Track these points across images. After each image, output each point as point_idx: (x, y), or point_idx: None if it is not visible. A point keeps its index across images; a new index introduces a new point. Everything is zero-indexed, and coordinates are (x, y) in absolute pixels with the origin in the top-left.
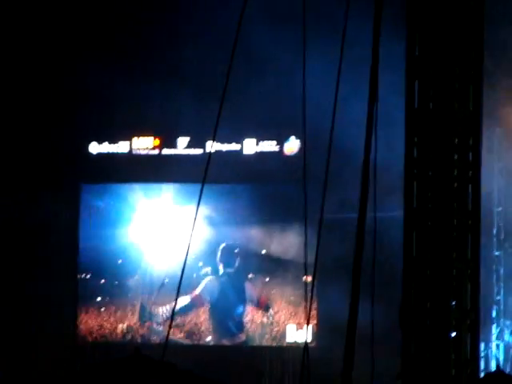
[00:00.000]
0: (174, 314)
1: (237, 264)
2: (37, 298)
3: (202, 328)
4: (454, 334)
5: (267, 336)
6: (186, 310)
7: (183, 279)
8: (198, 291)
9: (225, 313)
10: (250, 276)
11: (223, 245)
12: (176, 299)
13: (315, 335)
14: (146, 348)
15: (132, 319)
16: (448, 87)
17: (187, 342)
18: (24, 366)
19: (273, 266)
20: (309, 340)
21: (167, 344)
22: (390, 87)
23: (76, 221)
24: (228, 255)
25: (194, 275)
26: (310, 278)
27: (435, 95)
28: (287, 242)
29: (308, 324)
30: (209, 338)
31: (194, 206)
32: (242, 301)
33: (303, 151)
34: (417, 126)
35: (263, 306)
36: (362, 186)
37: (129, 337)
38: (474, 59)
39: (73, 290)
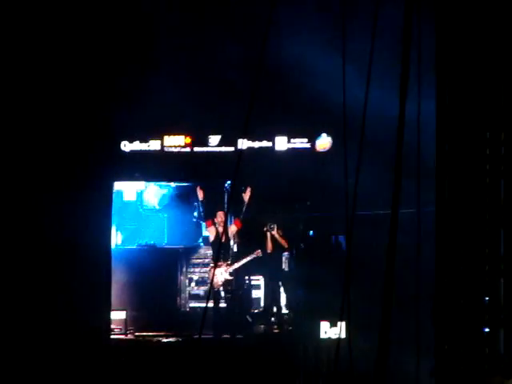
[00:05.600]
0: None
1: None
2: (70, 299)
3: None
4: (487, 330)
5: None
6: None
7: None
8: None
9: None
10: None
11: None
12: (207, 301)
13: (347, 331)
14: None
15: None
16: (480, 81)
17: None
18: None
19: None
20: (342, 336)
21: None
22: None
23: (109, 219)
24: None
25: None
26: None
27: (466, 89)
28: None
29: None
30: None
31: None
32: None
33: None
34: (448, 120)
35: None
36: (395, 182)
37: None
38: (505, 54)
39: (106, 290)
